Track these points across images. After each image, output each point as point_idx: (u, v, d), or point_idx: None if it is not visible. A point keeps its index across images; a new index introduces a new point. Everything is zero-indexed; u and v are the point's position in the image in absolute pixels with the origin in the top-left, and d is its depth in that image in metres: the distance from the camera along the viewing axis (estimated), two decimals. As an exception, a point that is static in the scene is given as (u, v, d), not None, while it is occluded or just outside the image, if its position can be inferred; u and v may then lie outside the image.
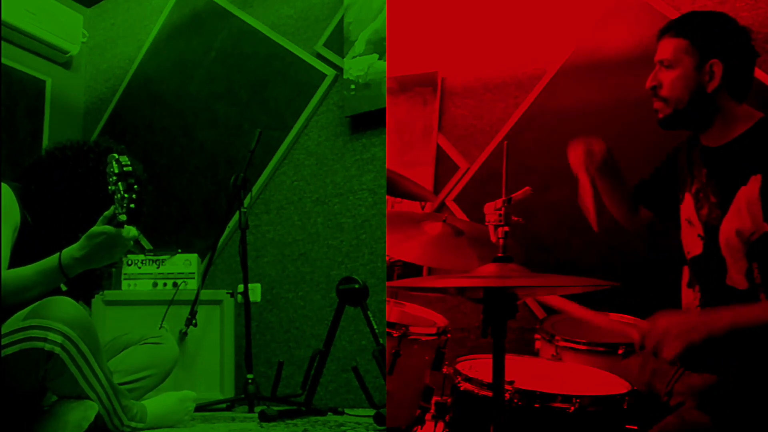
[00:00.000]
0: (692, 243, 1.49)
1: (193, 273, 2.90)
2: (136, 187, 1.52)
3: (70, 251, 1.59)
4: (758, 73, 2.15)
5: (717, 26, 1.44)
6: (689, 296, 1.52)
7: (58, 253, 1.60)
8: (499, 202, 1.23)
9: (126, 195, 1.52)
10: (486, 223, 1.26)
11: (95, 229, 1.58)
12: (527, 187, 1.28)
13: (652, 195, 1.71)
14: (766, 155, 1.34)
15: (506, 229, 1.20)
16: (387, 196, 2.83)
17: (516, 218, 1.22)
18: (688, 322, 1.24)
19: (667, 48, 1.46)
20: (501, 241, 1.19)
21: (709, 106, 1.42)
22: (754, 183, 1.33)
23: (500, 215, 1.22)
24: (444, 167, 2.79)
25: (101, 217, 1.59)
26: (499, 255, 1.17)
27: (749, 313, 1.21)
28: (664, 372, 1.45)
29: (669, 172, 1.64)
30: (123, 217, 1.55)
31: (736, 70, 1.42)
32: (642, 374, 1.53)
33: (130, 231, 1.60)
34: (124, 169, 1.53)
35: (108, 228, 1.57)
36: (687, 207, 1.51)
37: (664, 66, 1.46)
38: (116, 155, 1.56)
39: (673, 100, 1.45)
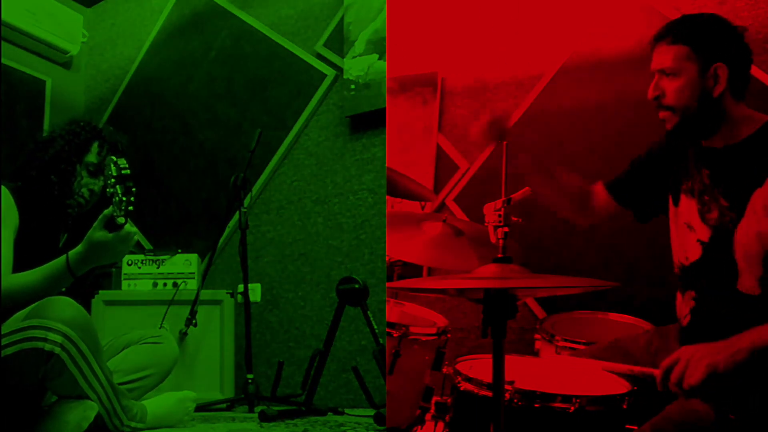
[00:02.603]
0: (690, 248, 1.46)
1: (193, 273, 2.90)
2: (134, 189, 1.53)
3: (75, 253, 1.62)
4: (758, 74, 2.15)
5: (714, 29, 1.42)
6: (679, 302, 1.52)
7: (64, 256, 1.62)
8: (498, 203, 1.23)
9: (124, 198, 1.53)
10: (486, 224, 1.26)
11: (95, 236, 1.59)
12: (527, 188, 1.28)
13: (631, 193, 1.66)
14: None
15: (506, 229, 1.20)
16: (387, 196, 2.83)
17: (515, 218, 1.22)
18: (712, 347, 1.21)
19: (667, 56, 1.43)
20: (501, 241, 1.19)
21: (717, 111, 1.40)
22: None
23: (500, 216, 1.22)
24: (444, 167, 2.79)
25: (99, 218, 1.59)
26: (499, 255, 1.17)
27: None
28: (667, 351, 1.45)
29: (653, 169, 1.60)
30: (121, 220, 1.55)
31: (738, 70, 1.41)
32: (648, 353, 1.52)
33: (130, 231, 1.61)
34: (122, 171, 1.54)
35: (106, 236, 1.59)
36: (686, 210, 1.48)
37: (665, 74, 1.43)
38: (114, 158, 1.57)
39: (680, 108, 1.42)
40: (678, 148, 1.54)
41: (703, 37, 1.40)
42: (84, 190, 1.83)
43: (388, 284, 2.52)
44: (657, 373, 1.23)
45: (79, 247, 1.62)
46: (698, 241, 1.44)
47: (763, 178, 1.32)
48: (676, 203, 1.52)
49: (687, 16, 1.48)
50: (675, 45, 1.42)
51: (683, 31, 1.42)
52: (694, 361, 1.18)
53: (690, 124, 1.43)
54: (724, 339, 1.22)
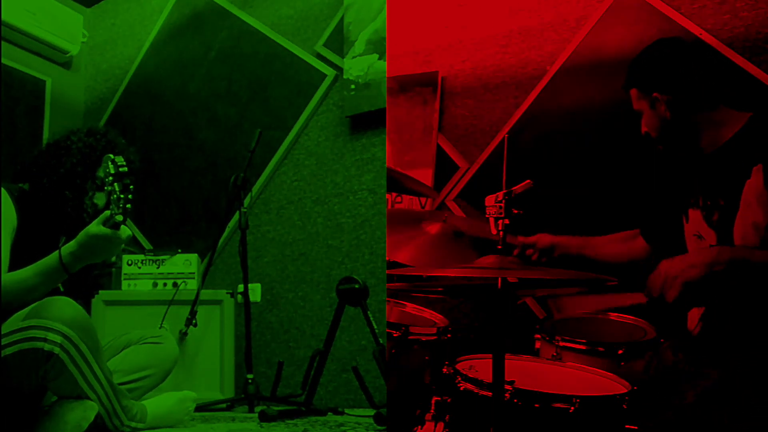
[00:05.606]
0: None
1: (193, 273, 2.90)
2: (132, 187, 1.52)
3: (68, 248, 1.60)
4: (758, 73, 2.15)
5: (651, 60, 1.57)
6: (691, 314, 1.53)
7: (57, 251, 1.60)
8: (500, 195, 1.24)
9: (122, 195, 1.52)
10: (486, 215, 1.27)
11: (92, 230, 1.58)
12: (528, 180, 1.29)
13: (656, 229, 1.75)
14: (764, 146, 1.39)
15: (506, 221, 1.20)
16: (387, 195, 2.83)
17: (516, 211, 1.23)
18: (686, 261, 1.35)
19: (633, 100, 1.63)
20: (501, 233, 1.20)
21: (679, 129, 1.53)
22: (758, 174, 1.36)
23: (501, 207, 1.22)
24: (444, 167, 2.79)
25: (99, 217, 1.59)
26: (499, 247, 1.17)
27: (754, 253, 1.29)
28: (667, 371, 1.46)
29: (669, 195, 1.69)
30: (119, 218, 1.55)
31: (690, 84, 1.51)
32: (646, 375, 1.53)
33: (125, 231, 1.61)
34: (120, 169, 1.53)
35: (104, 230, 1.57)
36: (694, 222, 1.54)
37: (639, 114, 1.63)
38: (112, 156, 1.57)
39: (655, 139, 1.60)
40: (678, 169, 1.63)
41: (644, 74, 1.58)
42: (89, 203, 1.81)
43: (388, 284, 2.51)
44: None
45: (72, 242, 1.60)
46: (711, 246, 1.47)
47: (750, 168, 1.39)
48: (687, 219, 1.58)
49: (639, 55, 1.64)
50: (630, 89, 1.63)
51: (633, 74, 1.62)
52: (670, 279, 1.34)
53: (666, 149, 1.60)
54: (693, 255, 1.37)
